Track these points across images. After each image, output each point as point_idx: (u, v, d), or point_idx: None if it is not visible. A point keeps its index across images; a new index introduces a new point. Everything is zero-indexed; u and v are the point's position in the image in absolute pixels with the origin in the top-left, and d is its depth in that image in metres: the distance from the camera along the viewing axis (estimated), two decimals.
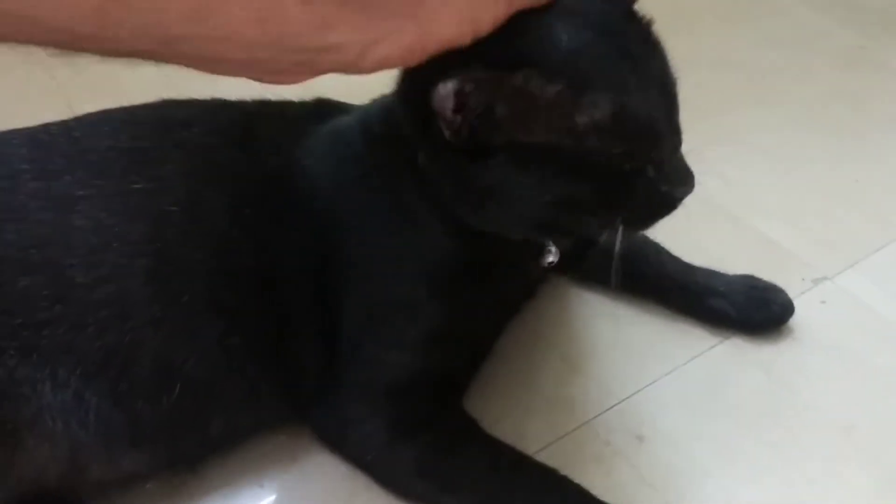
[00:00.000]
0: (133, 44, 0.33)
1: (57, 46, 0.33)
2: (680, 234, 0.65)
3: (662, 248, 0.69)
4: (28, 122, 0.55)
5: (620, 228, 0.48)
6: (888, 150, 0.89)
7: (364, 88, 0.53)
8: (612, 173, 0.45)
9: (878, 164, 0.86)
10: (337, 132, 0.56)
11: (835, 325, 0.68)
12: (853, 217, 0.79)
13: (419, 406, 0.56)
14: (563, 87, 0.43)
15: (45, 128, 0.55)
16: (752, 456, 0.58)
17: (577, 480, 0.53)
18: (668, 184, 0.47)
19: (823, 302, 0.70)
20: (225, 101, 0.58)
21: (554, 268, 0.60)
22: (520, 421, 0.60)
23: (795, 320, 0.67)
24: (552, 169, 0.45)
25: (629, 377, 0.64)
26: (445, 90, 0.43)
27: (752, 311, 0.66)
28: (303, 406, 0.57)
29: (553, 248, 0.58)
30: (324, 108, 0.59)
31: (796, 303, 0.67)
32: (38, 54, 0.34)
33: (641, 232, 0.52)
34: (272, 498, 0.56)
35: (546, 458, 0.56)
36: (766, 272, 0.68)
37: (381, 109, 0.55)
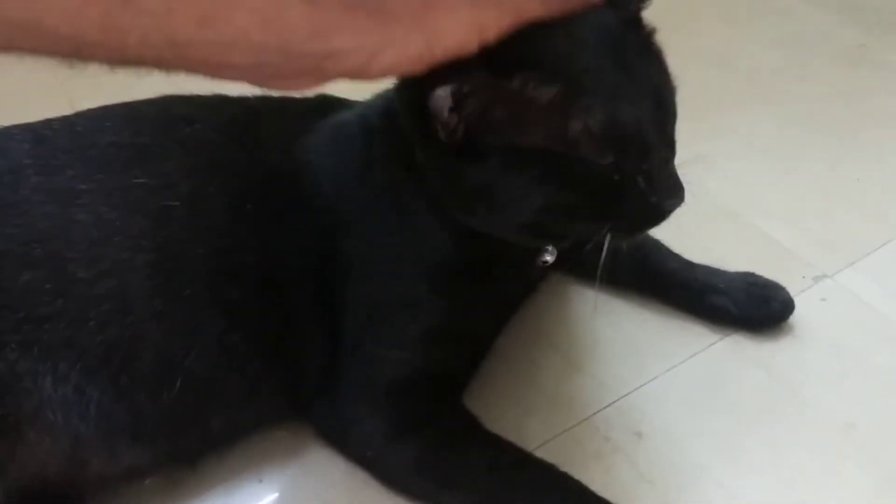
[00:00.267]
0: (139, 51, 0.33)
1: (63, 56, 0.33)
2: (680, 232, 0.64)
3: (663, 246, 0.69)
4: (30, 118, 0.55)
5: (608, 236, 0.49)
6: (889, 148, 0.89)
7: (367, 84, 0.53)
8: (602, 182, 0.46)
9: (879, 163, 0.86)
10: (338, 128, 0.56)
11: (835, 323, 0.68)
12: (854, 215, 0.79)
13: (419, 404, 0.56)
14: (558, 93, 0.43)
15: (48, 123, 0.55)
16: (752, 453, 0.58)
17: (576, 477, 0.53)
18: (657, 195, 0.47)
19: (824, 300, 0.70)
20: (227, 96, 0.58)
21: (552, 265, 0.61)
22: (520, 418, 0.60)
23: (796, 318, 0.67)
24: (543, 174, 0.46)
25: (629, 374, 0.64)
26: (444, 92, 0.43)
27: (753, 308, 0.66)
28: (303, 403, 0.57)
29: (550, 247, 0.58)
30: (326, 104, 0.59)
31: (796, 301, 0.67)
32: None
33: (628, 240, 0.52)
34: (272, 493, 0.56)
35: (546, 454, 0.56)
36: (767, 270, 0.68)
37: (382, 105, 0.55)
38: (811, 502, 0.55)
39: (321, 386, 0.56)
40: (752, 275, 0.68)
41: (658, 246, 0.69)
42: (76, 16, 0.31)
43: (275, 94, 0.57)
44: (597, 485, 0.53)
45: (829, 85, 0.99)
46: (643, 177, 0.46)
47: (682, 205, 0.49)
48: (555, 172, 0.45)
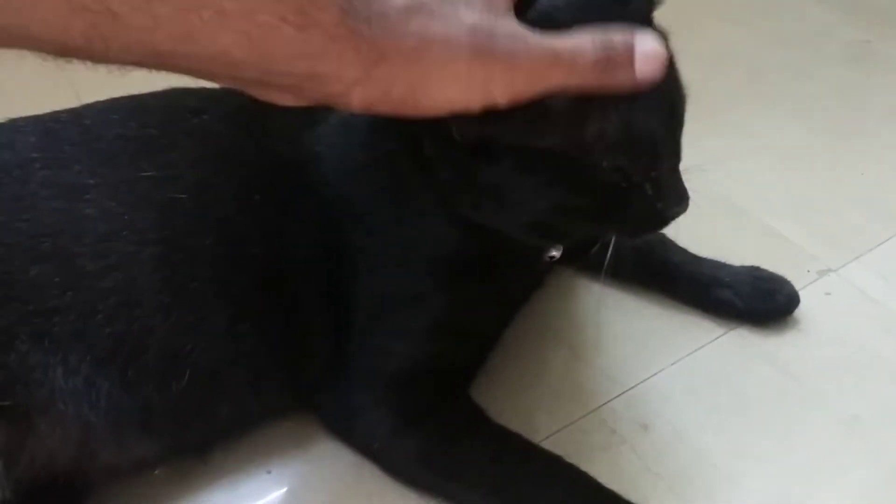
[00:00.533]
0: (121, 56, 0.33)
1: (46, 53, 0.33)
2: (686, 226, 0.64)
3: (668, 240, 0.69)
4: (37, 112, 0.55)
5: (613, 238, 0.49)
6: (894, 143, 0.89)
7: None
8: (611, 187, 0.46)
9: (884, 158, 0.86)
10: (346, 120, 0.56)
11: (840, 317, 0.68)
12: (858, 210, 0.79)
13: (425, 396, 0.56)
14: (577, 98, 0.42)
15: (55, 115, 0.55)
16: (757, 445, 0.58)
17: (583, 469, 0.53)
18: (662, 202, 0.47)
19: (828, 294, 0.70)
20: (234, 89, 0.58)
21: (559, 261, 0.61)
22: (526, 410, 0.60)
23: (801, 312, 0.67)
24: (554, 177, 0.46)
25: (635, 367, 0.64)
26: None
27: (758, 301, 0.66)
28: (310, 394, 0.57)
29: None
30: None
31: (801, 295, 0.67)
32: None
33: (630, 242, 0.52)
34: (280, 485, 0.56)
35: (552, 446, 0.56)
36: (772, 264, 0.68)
37: None
38: (816, 494, 0.56)
39: (327, 377, 0.56)
40: (757, 269, 0.68)
41: (664, 240, 0.69)
42: (61, 28, 0.31)
43: None
44: (603, 476, 0.53)
45: (834, 81, 0.99)
46: (651, 183, 0.47)
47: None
48: (566, 176, 0.45)
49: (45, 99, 0.58)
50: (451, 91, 0.37)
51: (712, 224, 0.74)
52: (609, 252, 0.50)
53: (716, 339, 0.66)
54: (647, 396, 0.62)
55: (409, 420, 0.55)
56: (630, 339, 0.66)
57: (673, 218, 0.49)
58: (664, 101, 0.46)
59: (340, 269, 0.54)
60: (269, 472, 0.57)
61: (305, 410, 0.58)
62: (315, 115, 0.56)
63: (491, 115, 0.39)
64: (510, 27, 0.37)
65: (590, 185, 0.46)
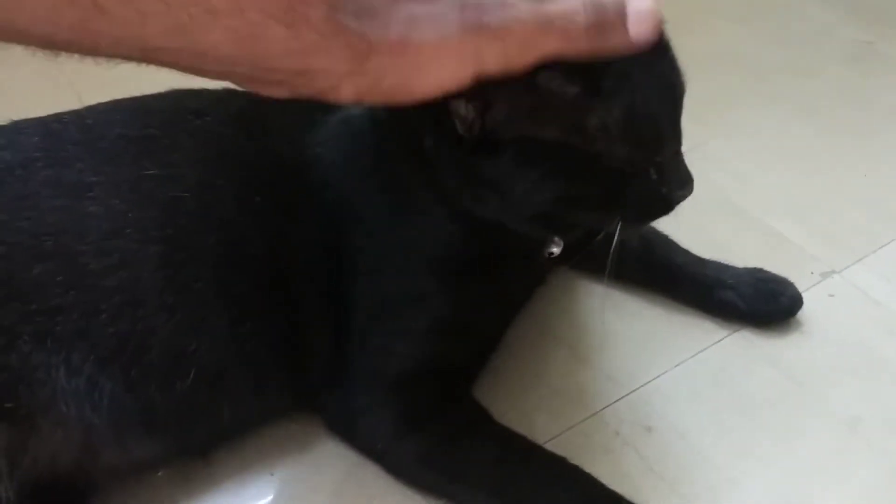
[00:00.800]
0: (111, 50, 0.33)
1: (34, 46, 0.33)
2: (689, 228, 0.65)
3: (671, 241, 0.69)
4: (39, 114, 0.55)
5: (619, 225, 0.49)
6: None
7: None
8: (615, 174, 0.46)
9: (887, 159, 0.86)
10: (347, 120, 0.56)
11: (843, 319, 0.68)
12: (861, 211, 0.79)
13: (427, 397, 0.56)
14: (581, 90, 0.42)
15: (58, 116, 0.55)
16: (760, 447, 0.58)
17: (586, 470, 0.53)
18: (667, 186, 0.47)
19: (832, 296, 0.70)
20: (236, 90, 0.58)
21: (560, 259, 0.60)
22: (529, 412, 0.60)
23: (804, 314, 0.67)
24: (557, 167, 0.46)
25: (638, 369, 0.64)
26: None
27: (761, 303, 0.66)
28: (312, 395, 0.57)
29: (556, 238, 0.58)
30: None
31: (805, 296, 0.67)
32: None
33: (638, 229, 0.52)
34: (283, 486, 0.56)
35: (555, 448, 0.56)
36: (775, 266, 0.68)
37: None
38: (818, 495, 0.55)
39: (329, 378, 0.56)
40: (760, 270, 0.68)
41: (667, 241, 0.69)
42: (49, 21, 0.31)
43: None
44: (606, 478, 0.53)
45: (837, 82, 0.98)
46: (655, 168, 0.47)
47: (691, 200, 0.49)
48: (569, 165, 0.45)
49: (46, 100, 0.58)
50: (444, 72, 0.37)
51: (714, 225, 0.74)
52: (614, 244, 0.49)
53: (719, 340, 0.66)
54: (650, 398, 0.62)
55: (412, 421, 0.55)
56: (633, 340, 0.66)
57: (678, 202, 0.49)
58: (664, 84, 0.46)
59: (341, 269, 0.54)
60: (272, 474, 0.57)
61: (308, 412, 0.58)
62: (315, 116, 0.56)
63: (491, 110, 0.39)
64: None
65: (593, 174, 0.46)
